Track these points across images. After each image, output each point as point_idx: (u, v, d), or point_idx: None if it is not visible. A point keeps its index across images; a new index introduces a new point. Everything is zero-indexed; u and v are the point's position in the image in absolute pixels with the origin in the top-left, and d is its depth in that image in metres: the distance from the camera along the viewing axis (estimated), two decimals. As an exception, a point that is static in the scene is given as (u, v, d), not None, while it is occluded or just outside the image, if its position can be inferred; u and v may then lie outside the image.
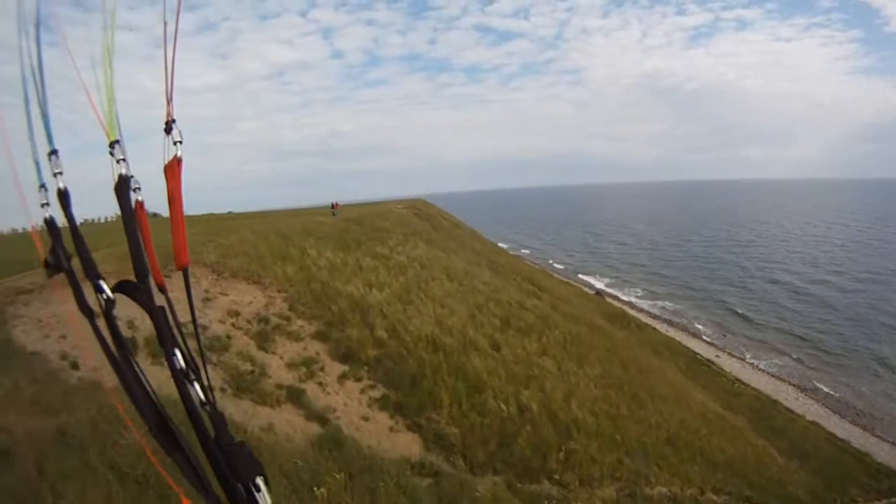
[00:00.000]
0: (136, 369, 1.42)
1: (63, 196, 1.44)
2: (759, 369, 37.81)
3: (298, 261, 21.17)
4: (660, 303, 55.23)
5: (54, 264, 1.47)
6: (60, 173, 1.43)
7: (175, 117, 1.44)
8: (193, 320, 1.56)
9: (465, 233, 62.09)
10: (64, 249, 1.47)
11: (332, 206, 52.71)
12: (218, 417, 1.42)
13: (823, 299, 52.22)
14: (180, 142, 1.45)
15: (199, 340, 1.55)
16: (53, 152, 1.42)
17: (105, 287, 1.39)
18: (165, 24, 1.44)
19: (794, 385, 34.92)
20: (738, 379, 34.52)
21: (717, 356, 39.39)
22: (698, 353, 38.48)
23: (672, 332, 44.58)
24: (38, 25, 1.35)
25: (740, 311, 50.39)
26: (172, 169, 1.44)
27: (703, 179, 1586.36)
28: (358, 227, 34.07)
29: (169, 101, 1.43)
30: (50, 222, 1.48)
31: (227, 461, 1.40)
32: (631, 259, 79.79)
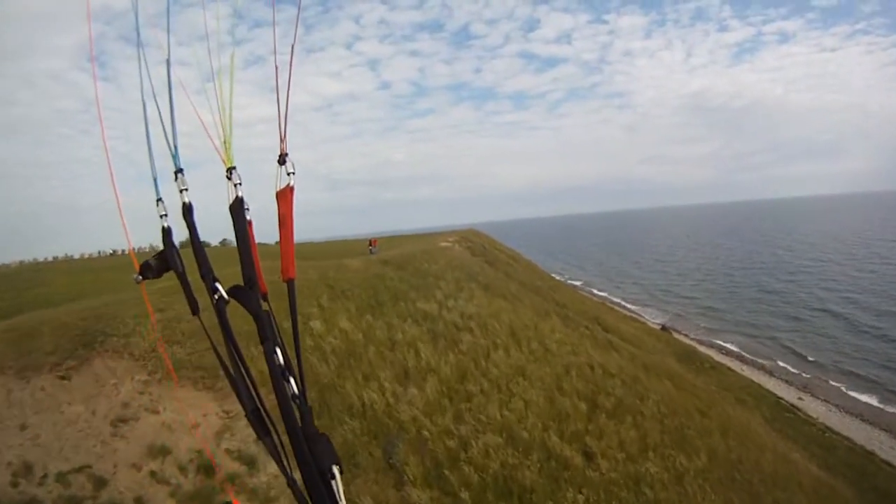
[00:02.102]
0: (240, 361, 1.66)
1: (187, 210, 1.69)
2: (847, 412, 33.02)
3: (289, 342, 14.71)
4: (725, 337, 49.47)
5: (149, 269, 1.77)
6: (186, 189, 1.66)
7: (288, 151, 1.69)
8: (294, 325, 1.75)
9: (522, 266, 55.42)
10: (178, 252, 1.72)
11: (370, 244, 45.44)
12: (306, 410, 1.59)
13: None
14: (293, 173, 1.71)
15: (297, 342, 1.73)
16: (179, 171, 1.66)
17: (220, 288, 1.67)
18: (277, 68, 1.71)
19: (884, 430, 30.62)
20: (827, 427, 29.97)
21: (800, 398, 34.63)
22: (781, 398, 33.35)
23: (747, 371, 39.70)
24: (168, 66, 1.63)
25: (807, 346, 44.94)
26: (285, 195, 1.71)
27: (755, 199, 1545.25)
28: (398, 273, 26.50)
29: (282, 138, 1.68)
30: (167, 231, 1.73)
31: (310, 449, 1.54)
32: (683, 290, 73.19)
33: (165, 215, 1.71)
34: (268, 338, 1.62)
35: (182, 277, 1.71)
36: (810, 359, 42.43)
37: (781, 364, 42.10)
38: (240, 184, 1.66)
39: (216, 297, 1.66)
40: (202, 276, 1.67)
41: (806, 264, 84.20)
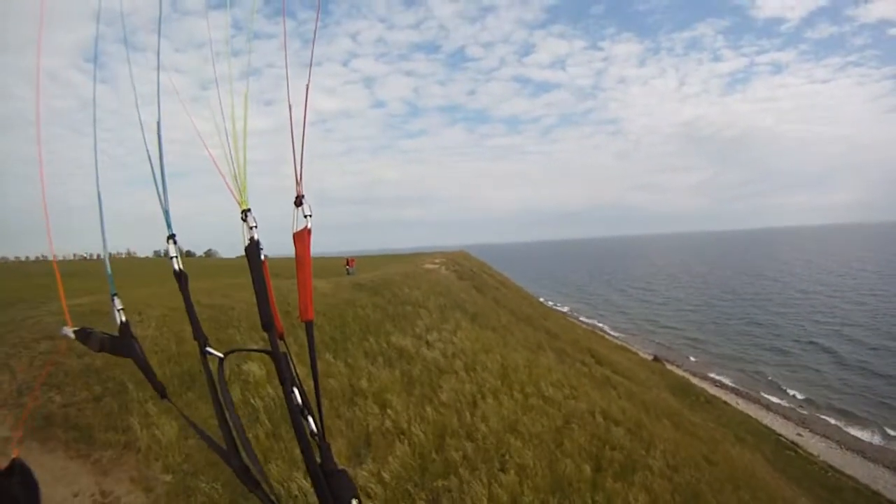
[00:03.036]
0: (234, 416, 1.75)
1: (179, 277, 1.79)
2: (848, 449, 31.46)
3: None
4: (717, 369, 47.40)
5: (89, 339, 1.80)
6: (177, 257, 1.78)
7: (304, 194, 1.64)
8: (313, 366, 1.74)
9: (511, 292, 52.19)
10: (137, 341, 1.80)
11: (346, 263, 41.82)
12: (325, 446, 1.63)
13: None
14: (310, 215, 1.66)
15: (316, 382, 1.75)
16: (172, 237, 1.76)
17: (213, 351, 1.77)
18: (290, 107, 1.66)
19: (887, 467, 29.18)
20: (829, 466, 28.42)
21: (799, 434, 33.07)
22: (781, 435, 31.56)
23: (742, 405, 37.98)
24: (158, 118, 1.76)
25: (800, 381, 43.22)
26: (302, 238, 1.67)
27: (745, 228, 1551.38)
28: (372, 300, 22.71)
29: (298, 181, 1.63)
30: (125, 324, 1.83)
31: (329, 484, 1.57)
32: (669, 321, 70.23)
33: (122, 309, 1.83)
34: (286, 378, 1.63)
35: (143, 364, 1.74)
36: (801, 396, 40.57)
37: (775, 399, 40.22)
38: (255, 227, 1.64)
39: (207, 356, 1.76)
40: (195, 338, 1.80)
41: (794, 296, 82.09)
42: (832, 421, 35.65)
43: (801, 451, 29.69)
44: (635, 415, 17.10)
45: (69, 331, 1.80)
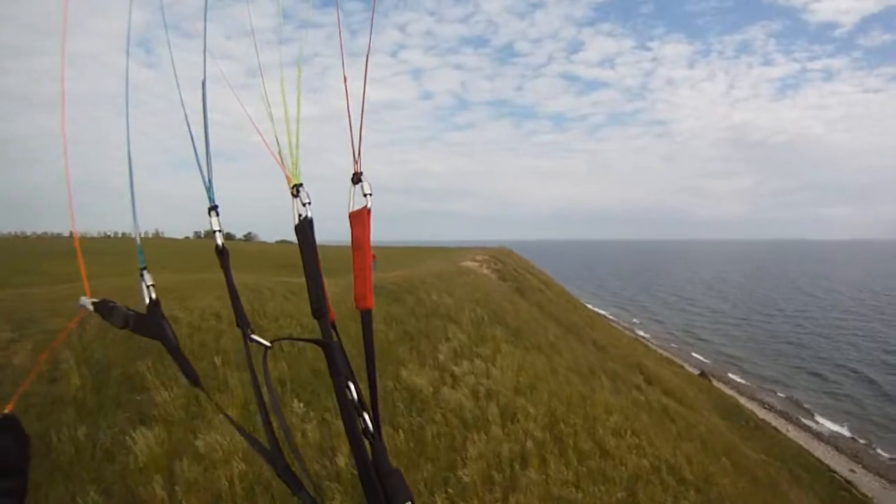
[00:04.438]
0: (277, 409, 1.53)
1: (220, 253, 1.61)
2: (907, 494, 26.52)
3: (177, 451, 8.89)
4: (763, 390, 43.55)
5: (111, 313, 1.59)
6: (221, 231, 1.60)
7: (362, 171, 1.57)
8: (369, 359, 1.62)
9: (554, 294, 47.66)
10: (170, 326, 1.60)
11: None
12: (380, 446, 1.45)
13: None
14: (370, 194, 1.56)
15: (372, 376, 1.62)
16: (213, 208, 1.58)
17: (257, 338, 1.56)
18: (347, 94, 1.59)
19: None
20: (890, 514, 24.39)
21: (852, 471, 29.47)
22: (834, 471, 27.85)
23: (792, 433, 33.98)
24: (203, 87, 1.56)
25: (845, 410, 38.92)
26: (361, 217, 1.56)
27: (788, 238, 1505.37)
28: (390, 310, 17.82)
29: (356, 158, 1.56)
30: (155, 301, 1.63)
31: (383, 487, 1.40)
32: (707, 333, 64.93)
33: (152, 285, 1.62)
34: (340, 371, 1.48)
35: (176, 352, 1.57)
36: (848, 426, 36.49)
37: (826, 427, 36.45)
38: (308, 203, 1.49)
39: (251, 343, 1.57)
40: (238, 325, 1.61)
41: (837, 317, 75.14)
42: (885, 455, 32.17)
43: (855, 492, 26.42)
44: (702, 464, 14.12)
45: (88, 302, 1.58)
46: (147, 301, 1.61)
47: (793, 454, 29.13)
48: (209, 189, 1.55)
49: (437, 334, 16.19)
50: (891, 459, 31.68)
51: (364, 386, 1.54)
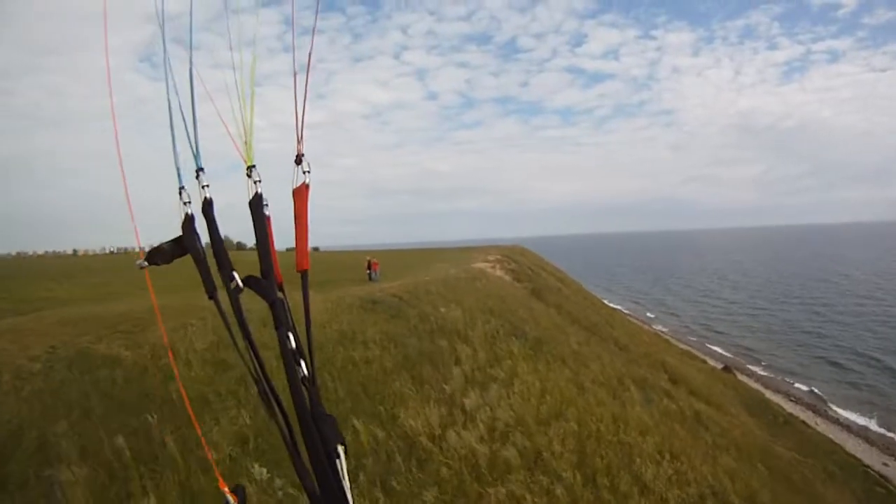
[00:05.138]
0: (252, 345, 1.59)
1: (207, 204, 1.65)
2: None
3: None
4: (786, 384, 41.46)
5: (158, 254, 1.68)
6: (207, 186, 1.65)
7: (304, 153, 1.65)
8: (307, 314, 1.62)
9: (572, 292, 45.90)
10: (199, 239, 1.66)
11: (368, 267, 32.56)
12: (315, 392, 1.55)
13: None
14: (308, 171, 1.64)
15: (308, 329, 1.65)
16: (200, 169, 1.65)
17: (237, 277, 1.62)
18: (295, 73, 1.68)
19: None
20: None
21: (885, 464, 27.87)
22: (868, 466, 26.72)
23: (822, 426, 32.55)
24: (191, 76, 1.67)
25: (866, 400, 37.32)
26: (301, 193, 1.64)
27: (800, 224, 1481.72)
28: (387, 329, 15.65)
29: (299, 140, 1.63)
30: (190, 217, 1.66)
31: (318, 429, 1.48)
32: (724, 325, 62.94)
33: (189, 202, 1.68)
34: (282, 323, 1.58)
35: (202, 263, 1.64)
36: (877, 418, 34.57)
37: (853, 419, 34.64)
38: (259, 181, 1.64)
39: (232, 285, 1.62)
40: (219, 267, 1.65)
41: (854, 302, 72.59)
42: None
43: (891, 487, 25.27)
44: (743, 479, 12.87)
45: (143, 262, 1.68)
46: (183, 217, 1.66)
47: (825, 450, 27.94)
48: (196, 155, 1.63)
49: (445, 357, 14.06)
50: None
51: (303, 338, 1.59)
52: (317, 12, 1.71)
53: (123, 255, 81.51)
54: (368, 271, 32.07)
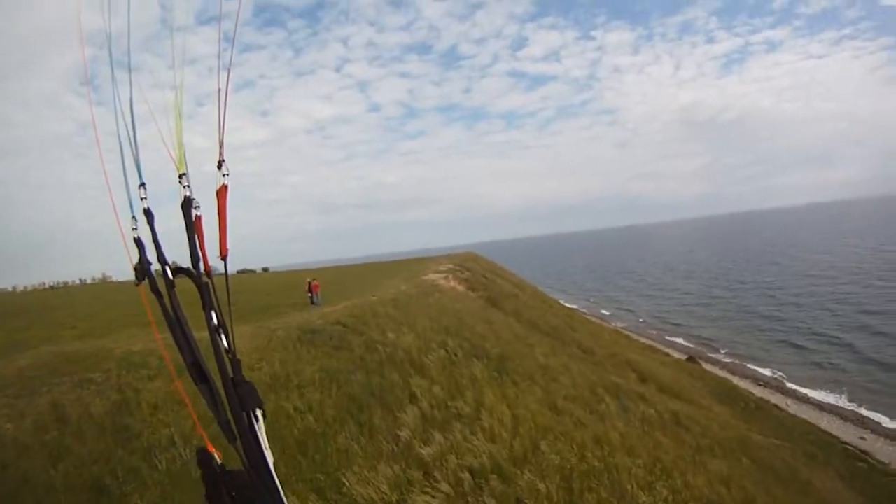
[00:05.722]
0: (185, 325, 1.73)
1: (148, 214, 1.85)
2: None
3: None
4: (750, 369, 41.17)
5: (141, 272, 1.85)
6: (145, 199, 1.86)
7: (224, 158, 1.79)
8: (227, 293, 1.76)
9: (530, 297, 44.80)
10: (147, 261, 1.85)
11: (308, 290, 29.91)
12: (236, 361, 1.69)
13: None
14: (227, 174, 1.80)
15: (229, 307, 1.77)
16: (142, 184, 1.86)
17: (168, 271, 1.78)
18: (220, 89, 1.80)
19: None
20: (908, 477, 22.52)
21: (862, 438, 27.88)
22: (846, 443, 26.53)
23: (793, 407, 32.45)
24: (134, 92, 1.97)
25: (834, 378, 37.07)
26: (222, 193, 1.79)
27: (749, 210, 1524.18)
28: (328, 365, 13.74)
29: (221, 145, 1.79)
30: (137, 241, 1.86)
31: (238, 393, 1.64)
32: (679, 317, 62.99)
33: (135, 228, 1.89)
34: (207, 303, 1.75)
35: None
36: (844, 393, 34.44)
37: (824, 398, 34.26)
38: (188, 186, 1.80)
39: (169, 278, 1.78)
40: (160, 262, 1.82)
41: (806, 283, 72.98)
42: (886, 418, 30.37)
43: (873, 461, 24.95)
44: (737, 483, 11.71)
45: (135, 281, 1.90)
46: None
47: (801, 431, 27.72)
48: (138, 167, 1.87)
49: (397, 393, 11.99)
50: (892, 421, 30.10)
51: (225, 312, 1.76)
52: (237, 19, 1.84)
53: (62, 290, 76.48)
54: (309, 294, 29.41)
